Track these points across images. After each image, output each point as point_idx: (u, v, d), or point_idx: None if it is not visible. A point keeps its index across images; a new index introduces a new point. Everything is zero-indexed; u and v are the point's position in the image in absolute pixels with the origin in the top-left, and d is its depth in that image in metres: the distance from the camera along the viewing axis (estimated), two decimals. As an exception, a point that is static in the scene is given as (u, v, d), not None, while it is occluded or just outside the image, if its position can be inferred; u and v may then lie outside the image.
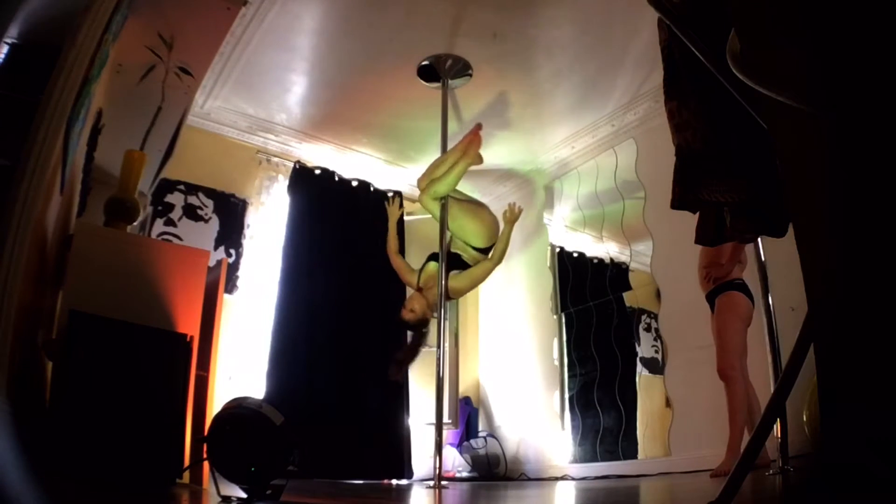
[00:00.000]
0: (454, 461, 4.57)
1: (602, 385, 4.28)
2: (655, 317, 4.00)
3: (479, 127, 3.64)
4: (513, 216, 3.56)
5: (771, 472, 2.23)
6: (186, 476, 2.36)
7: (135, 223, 2.80)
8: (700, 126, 1.42)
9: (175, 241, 3.90)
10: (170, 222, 3.99)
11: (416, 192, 3.71)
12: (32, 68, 1.75)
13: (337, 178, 4.67)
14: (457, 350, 5.14)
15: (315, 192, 4.52)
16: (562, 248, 4.85)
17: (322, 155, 4.73)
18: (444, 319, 3.28)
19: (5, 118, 1.67)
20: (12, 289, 1.44)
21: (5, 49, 1.82)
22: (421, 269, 3.47)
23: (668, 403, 3.73)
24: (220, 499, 1.63)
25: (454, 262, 3.40)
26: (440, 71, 3.77)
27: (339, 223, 4.55)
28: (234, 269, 4.13)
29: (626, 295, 4.26)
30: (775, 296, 2.41)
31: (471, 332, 5.32)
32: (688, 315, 3.59)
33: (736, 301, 2.95)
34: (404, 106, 4.20)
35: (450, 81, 3.83)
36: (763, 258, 2.43)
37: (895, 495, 0.64)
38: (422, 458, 4.24)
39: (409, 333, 3.50)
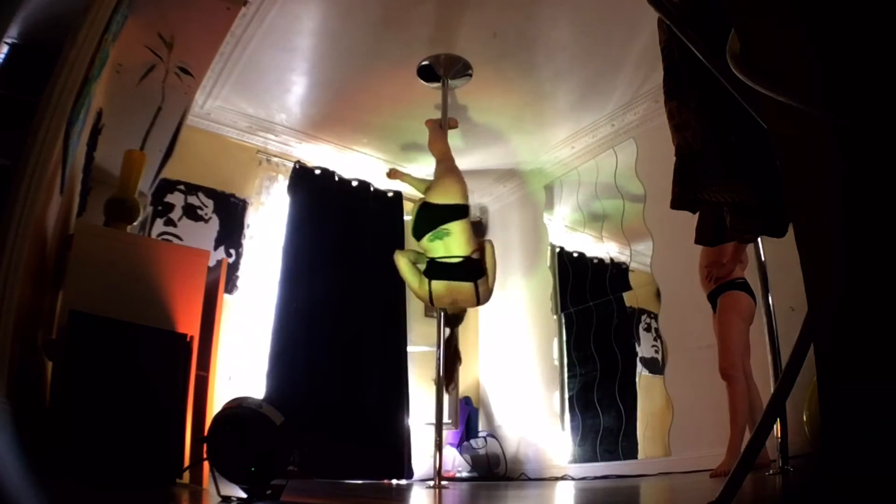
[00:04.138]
0: (454, 461, 4.57)
1: (602, 385, 4.28)
2: (655, 317, 4.00)
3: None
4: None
5: (771, 472, 2.23)
6: (186, 476, 2.36)
7: (135, 223, 2.80)
8: (700, 126, 1.42)
9: (175, 241, 3.90)
10: (170, 222, 3.98)
11: (416, 193, 3.69)
12: (32, 68, 1.75)
13: (337, 178, 4.67)
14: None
15: (315, 192, 4.52)
16: (562, 248, 4.85)
17: (322, 155, 4.73)
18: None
19: (5, 118, 1.67)
20: (12, 288, 1.44)
21: (5, 49, 1.82)
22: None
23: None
24: (220, 499, 1.63)
25: (474, 270, 3.07)
26: (440, 71, 3.77)
27: (339, 223, 4.55)
28: (234, 269, 4.13)
29: (626, 295, 4.26)
30: (775, 296, 2.41)
31: (471, 332, 5.31)
32: (688, 315, 3.59)
33: (738, 300, 2.94)
34: (404, 106, 4.20)
35: (450, 81, 3.83)
36: (763, 258, 2.43)
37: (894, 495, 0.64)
38: (422, 458, 4.24)
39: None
